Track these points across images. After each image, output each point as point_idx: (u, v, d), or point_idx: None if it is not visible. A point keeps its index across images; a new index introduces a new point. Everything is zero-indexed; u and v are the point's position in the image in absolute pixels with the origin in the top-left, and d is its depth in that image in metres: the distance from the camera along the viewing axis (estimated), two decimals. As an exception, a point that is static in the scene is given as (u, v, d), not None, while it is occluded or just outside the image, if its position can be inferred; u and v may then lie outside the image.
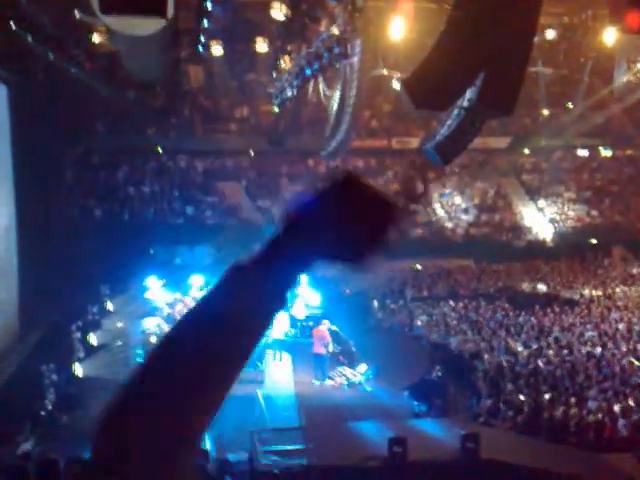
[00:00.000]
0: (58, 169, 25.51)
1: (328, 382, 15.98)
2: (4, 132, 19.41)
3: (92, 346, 18.14)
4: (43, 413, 13.68)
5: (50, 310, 18.96)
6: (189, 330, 1.10)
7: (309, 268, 1.15)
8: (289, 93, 26.47)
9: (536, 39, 20.86)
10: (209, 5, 22.75)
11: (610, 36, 25.09)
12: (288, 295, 1.14)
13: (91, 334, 18.74)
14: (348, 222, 1.11)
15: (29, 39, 16.63)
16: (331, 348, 16.29)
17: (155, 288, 21.34)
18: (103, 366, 16.51)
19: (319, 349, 16.18)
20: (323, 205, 1.12)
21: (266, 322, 1.12)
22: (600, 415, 13.16)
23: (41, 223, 20.27)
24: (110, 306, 22.05)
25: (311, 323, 17.89)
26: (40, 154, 20.70)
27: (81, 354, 17.20)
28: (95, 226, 26.20)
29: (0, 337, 17.73)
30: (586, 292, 24.99)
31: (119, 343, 18.53)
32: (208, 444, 11.93)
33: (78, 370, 16.24)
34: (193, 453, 1.08)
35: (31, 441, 12.13)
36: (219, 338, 1.08)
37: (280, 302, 1.13)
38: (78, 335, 17.90)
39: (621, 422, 12.99)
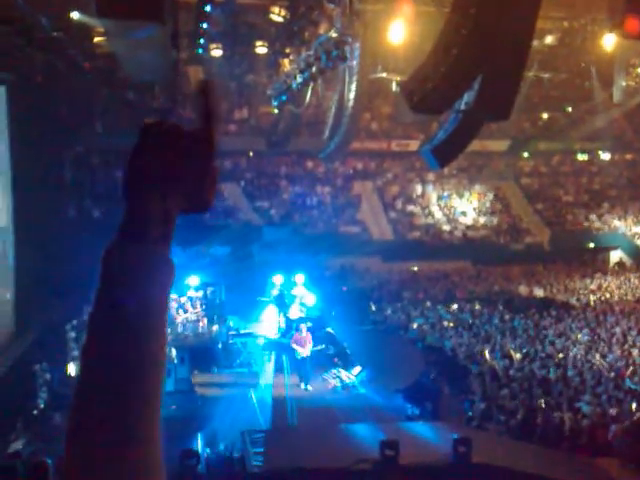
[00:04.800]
0: (57, 169, 25.54)
1: (312, 386, 15.84)
2: (2, 132, 19.41)
3: (87, 346, 18.11)
4: (35, 412, 13.68)
5: (46, 310, 18.97)
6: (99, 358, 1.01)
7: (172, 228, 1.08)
8: (288, 95, 26.51)
9: (536, 43, 20.88)
10: (208, 8, 22.83)
11: (609, 41, 25.09)
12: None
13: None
14: (171, 167, 1.05)
15: (27, 40, 16.64)
16: (311, 347, 16.11)
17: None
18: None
19: (302, 353, 16.04)
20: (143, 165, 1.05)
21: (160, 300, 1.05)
22: (593, 420, 13.14)
23: (39, 223, 20.27)
24: (106, 306, 22.01)
25: (309, 324, 17.71)
26: (39, 154, 20.72)
27: (75, 353, 17.16)
28: (92, 227, 26.20)
29: (-4, 336, 17.76)
30: (583, 296, 24.98)
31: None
32: (200, 444, 11.95)
33: (71, 369, 16.23)
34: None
35: (22, 440, 12.12)
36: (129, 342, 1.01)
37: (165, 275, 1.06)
38: (73, 335, 17.86)
39: (613, 427, 12.97)
